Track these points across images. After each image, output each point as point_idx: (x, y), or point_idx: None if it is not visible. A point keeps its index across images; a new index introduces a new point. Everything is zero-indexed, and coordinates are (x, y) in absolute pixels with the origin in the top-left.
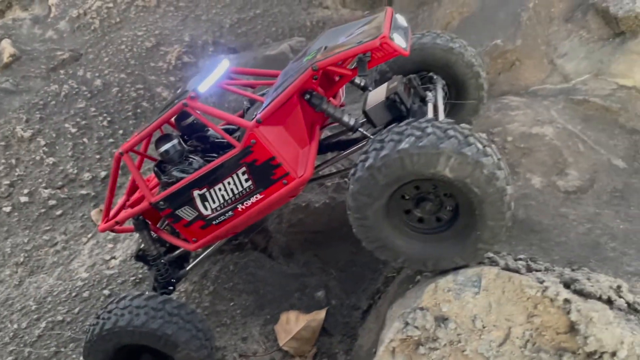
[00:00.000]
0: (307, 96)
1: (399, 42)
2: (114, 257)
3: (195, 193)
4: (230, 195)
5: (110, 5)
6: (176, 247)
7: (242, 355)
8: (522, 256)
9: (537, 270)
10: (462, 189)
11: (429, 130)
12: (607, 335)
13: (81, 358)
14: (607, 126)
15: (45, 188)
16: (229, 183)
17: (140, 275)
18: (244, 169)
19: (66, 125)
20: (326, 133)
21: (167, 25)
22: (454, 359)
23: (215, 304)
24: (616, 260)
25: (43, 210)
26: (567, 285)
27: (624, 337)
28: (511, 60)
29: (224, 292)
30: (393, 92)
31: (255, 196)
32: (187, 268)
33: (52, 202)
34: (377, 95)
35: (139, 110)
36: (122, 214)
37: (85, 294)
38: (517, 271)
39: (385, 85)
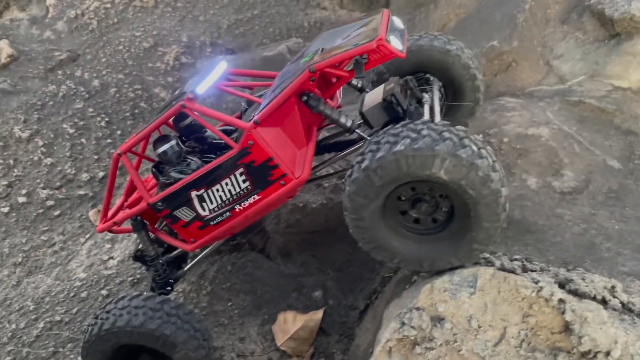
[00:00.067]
0: (305, 98)
1: (396, 44)
2: (112, 258)
3: (193, 194)
4: (228, 196)
5: (108, 5)
6: (174, 248)
7: (240, 355)
8: (517, 256)
9: (532, 271)
10: (457, 191)
11: (425, 132)
12: (601, 335)
13: (79, 358)
14: (602, 127)
15: (43, 188)
16: (226, 184)
17: (138, 276)
18: (241, 169)
19: (64, 125)
20: (324, 134)
21: (164, 26)
22: (450, 358)
23: (212, 304)
24: (611, 261)
25: (41, 211)
26: (562, 286)
27: (617, 336)
28: (507, 62)
29: (222, 292)
30: (390, 93)
31: (252, 197)
32: (185, 268)
33: (50, 203)
34: (374, 96)
35: (136, 111)
36: (121, 214)
37: (84, 294)
38: (512, 271)
39: (382, 86)
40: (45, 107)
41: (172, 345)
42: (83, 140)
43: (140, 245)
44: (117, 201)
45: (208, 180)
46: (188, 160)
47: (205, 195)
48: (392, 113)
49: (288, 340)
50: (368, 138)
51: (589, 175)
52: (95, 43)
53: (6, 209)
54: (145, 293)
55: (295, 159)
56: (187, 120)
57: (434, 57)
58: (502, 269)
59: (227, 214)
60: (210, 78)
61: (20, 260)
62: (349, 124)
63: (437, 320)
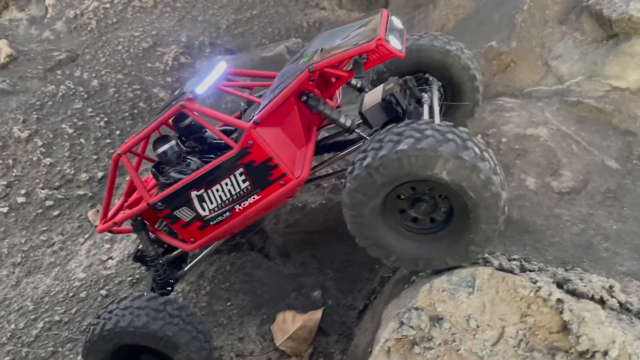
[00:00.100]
0: (304, 98)
1: (395, 44)
2: (111, 258)
3: (193, 194)
4: (228, 196)
5: (107, 5)
6: (174, 248)
7: (239, 355)
8: (516, 256)
9: (530, 271)
10: (457, 192)
11: (428, 132)
12: (599, 335)
13: (78, 358)
14: (600, 127)
15: (43, 189)
16: (226, 184)
17: (137, 276)
18: (241, 169)
19: (63, 125)
20: (323, 134)
21: (164, 26)
22: (448, 358)
23: (212, 304)
24: (609, 260)
25: (40, 211)
26: (560, 285)
27: (615, 336)
28: (506, 62)
29: (221, 292)
30: (389, 93)
31: (252, 197)
32: (186, 269)
33: (49, 203)
34: (373, 96)
35: (135, 111)
36: (121, 214)
37: (83, 294)
38: (510, 271)
39: (381, 86)
40: (44, 107)
41: (174, 346)
42: (82, 140)
43: (141, 246)
44: (117, 201)
45: (208, 181)
46: (188, 160)
47: (205, 195)
48: (392, 113)
49: (287, 340)
50: (368, 138)
51: (587, 175)
52: (94, 43)
53: (5, 209)
54: (147, 294)
55: (295, 159)
56: (187, 121)
57: (434, 57)
58: (501, 268)
59: (227, 213)
60: (210, 78)
61: (19, 260)
62: (348, 123)
63: (436, 320)
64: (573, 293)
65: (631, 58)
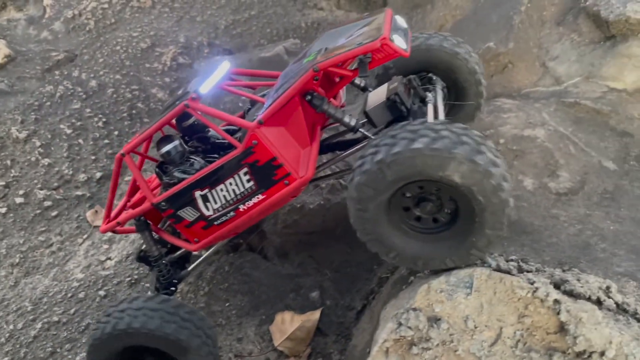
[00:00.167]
0: (308, 97)
1: (399, 43)
2: (109, 258)
3: (197, 194)
4: (232, 195)
5: (106, 6)
6: (177, 248)
7: (238, 356)
8: (513, 257)
9: (528, 271)
10: (466, 195)
11: (444, 133)
12: (596, 335)
13: (77, 358)
14: (597, 128)
15: (41, 189)
16: (230, 184)
17: (135, 276)
18: (245, 169)
19: (61, 126)
20: (326, 134)
21: (162, 27)
22: (446, 358)
23: (210, 304)
24: (606, 261)
25: (38, 211)
26: (557, 286)
27: (612, 337)
28: (504, 63)
29: (219, 292)
30: (393, 92)
31: (256, 196)
32: (189, 269)
33: (47, 203)
34: (377, 95)
35: (134, 112)
36: (124, 214)
37: (81, 295)
38: (508, 272)
39: (385, 85)
40: (43, 107)
41: (185, 350)
42: (80, 140)
43: (144, 246)
44: (120, 202)
45: (212, 180)
46: (191, 160)
47: (209, 195)
48: (396, 112)
49: (285, 341)
50: (372, 137)
51: (584, 176)
52: (93, 43)
53: (3, 210)
54: (160, 295)
55: (299, 159)
56: (190, 120)
57: (442, 58)
58: (498, 269)
59: (231, 213)
60: (214, 78)
61: (17, 260)
62: (352, 123)
63: (434, 320)
64: (570, 294)
65: (628, 59)
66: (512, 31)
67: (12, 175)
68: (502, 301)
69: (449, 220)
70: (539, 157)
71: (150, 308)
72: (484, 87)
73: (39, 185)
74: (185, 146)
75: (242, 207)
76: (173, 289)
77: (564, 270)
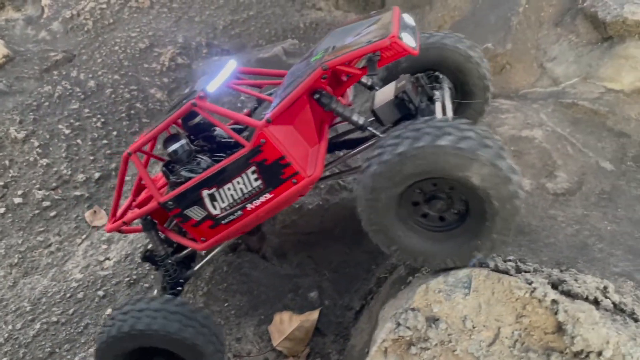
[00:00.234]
0: (317, 95)
1: (408, 41)
2: (108, 259)
3: (205, 193)
4: (240, 194)
5: (104, 6)
6: (183, 247)
7: (236, 356)
8: (511, 257)
9: (526, 272)
10: (481, 198)
11: (469, 134)
12: (593, 335)
13: (76, 359)
14: (595, 129)
15: (39, 189)
16: (238, 182)
17: (134, 277)
18: (253, 168)
19: (60, 126)
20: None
21: (160, 27)
22: (444, 358)
23: (209, 304)
24: (603, 261)
25: (37, 212)
26: (555, 286)
27: (609, 336)
28: (502, 64)
29: (218, 292)
30: (402, 90)
31: (264, 195)
32: (195, 268)
33: (46, 204)
34: (385, 94)
35: (132, 112)
36: (130, 214)
37: (80, 295)
38: (506, 272)
39: (392, 84)
40: (41, 107)
41: (200, 355)
42: (79, 141)
43: (150, 245)
44: (125, 201)
45: (219, 179)
46: (198, 159)
47: (216, 194)
48: (404, 110)
49: (284, 341)
50: (381, 135)
51: (582, 176)
52: (91, 43)
53: (2, 210)
54: (178, 298)
55: (307, 157)
56: (197, 119)
57: (455, 59)
58: (496, 269)
59: (239, 212)
60: (221, 76)
61: (16, 261)
62: (361, 121)
63: (432, 320)
64: (568, 294)
65: (625, 60)
66: (510, 32)
67: (10, 175)
68: (500, 301)
69: (455, 220)
70: (536, 158)
71: (171, 311)
72: (490, 94)
73: (38, 186)
74: (192, 145)
75: (249, 206)
76: (179, 288)
77: (561, 271)
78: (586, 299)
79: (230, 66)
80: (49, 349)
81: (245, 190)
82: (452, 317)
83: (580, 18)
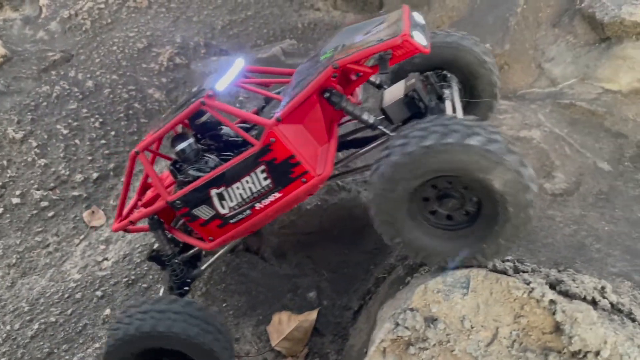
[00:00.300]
0: (327, 94)
1: (420, 39)
2: (106, 259)
3: (213, 192)
4: (249, 193)
5: (102, 6)
6: (190, 247)
7: (235, 356)
8: (509, 257)
9: (524, 272)
10: (497, 202)
11: (497, 137)
12: (591, 335)
13: (75, 359)
14: (593, 130)
15: (37, 189)
16: (247, 181)
17: (133, 277)
18: (262, 167)
19: (58, 126)
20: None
21: (158, 27)
22: (443, 358)
23: (207, 305)
24: (601, 261)
25: (35, 212)
26: (552, 287)
27: (607, 336)
28: (499, 65)
29: (217, 293)
30: (412, 89)
31: (273, 194)
32: (202, 268)
33: (44, 204)
34: (394, 92)
35: (130, 112)
36: (137, 213)
37: (78, 295)
38: (504, 272)
39: (402, 82)
40: (39, 107)
41: None
42: (77, 141)
43: (156, 245)
44: (131, 201)
45: (228, 178)
46: (206, 158)
47: (225, 193)
48: (414, 109)
49: (283, 341)
50: (391, 134)
51: (579, 177)
52: (89, 43)
53: (0, 210)
54: (198, 302)
55: (317, 156)
56: (204, 118)
57: (468, 61)
58: (495, 270)
59: (247, 212)
60: (229, 75)
61: (14, 261)
62: (371, 120)
63: (431, 320)
64: (565, 294)
65: (623, 61)
66: (508, 33)
67: (8, 175)
68: (498, 301)
69: (463, 221)
70: (534, 158)
71: (192, 315)
72: (497, 103)
73: (36, 186)
74: (199, 144)
75: (258, 206)
76: (187, 288)
77: (559, 271)
78: (584, 299)
79: (239, 64)
80: (47, 349)
81: (254, 190)
82: (450, 317)
83: (578, 19)
